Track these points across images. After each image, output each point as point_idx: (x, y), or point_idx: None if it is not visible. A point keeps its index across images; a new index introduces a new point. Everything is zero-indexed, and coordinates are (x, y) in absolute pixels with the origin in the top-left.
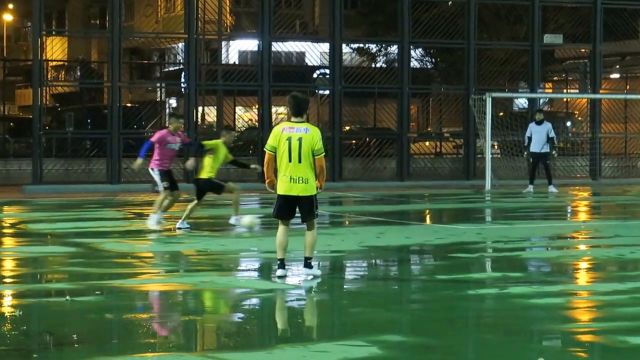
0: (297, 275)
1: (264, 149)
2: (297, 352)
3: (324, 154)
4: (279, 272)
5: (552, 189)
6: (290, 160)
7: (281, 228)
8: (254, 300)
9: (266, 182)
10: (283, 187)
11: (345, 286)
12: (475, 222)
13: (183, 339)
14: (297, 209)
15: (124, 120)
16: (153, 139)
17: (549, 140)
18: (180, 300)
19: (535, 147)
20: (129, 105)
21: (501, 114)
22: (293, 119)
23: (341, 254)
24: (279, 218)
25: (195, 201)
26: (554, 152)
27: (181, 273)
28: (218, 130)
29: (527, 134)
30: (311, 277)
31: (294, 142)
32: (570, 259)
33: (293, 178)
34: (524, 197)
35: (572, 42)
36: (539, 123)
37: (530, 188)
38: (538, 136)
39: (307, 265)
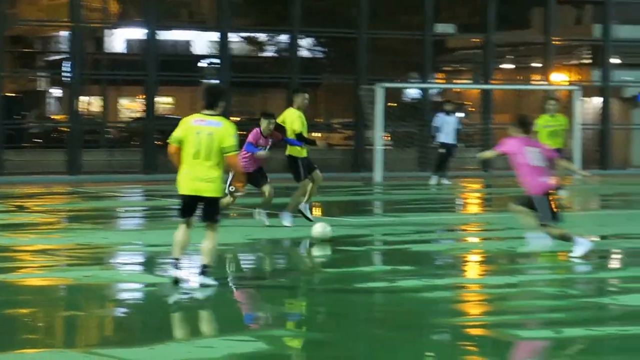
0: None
1: (167, 141)
2: (182, 347)
3: (236, 152)
4: (173, 272)
5: (434, 180)
6: (197, 157)
7: (182, 227)
8: (138, 295)
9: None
10: (186, 186)
11: (231, 280)
12: (365, 215)
13: (65, 334)
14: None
15: (6, 110)
16: (252, 140)
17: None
18: (62, 295)
19: (447, 138)
20: (11, 95)
21: (392, 104)
22: (205, 111)
23: (227, 247)
24: (181, 218)
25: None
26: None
27: (63, 267)
28: (103, 121)
29: (435, 123)
30: (202, 285)
31: (203, 137)
32: (461, 251)
33: (198, 176)
34: (413, 189)
35: (465, 31)
36: (449, 113)
37: (445, 180)
38: (449, 127)
39: (203, 272)
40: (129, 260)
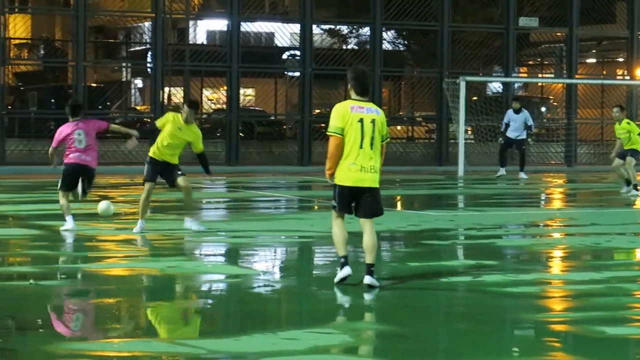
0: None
1: (328, 132)
2: (266, 339)
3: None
4: (344, 271)
5: (522, 175)
6: (361, 146)
7: (339, 221)
8: (222, 286)
9: (328, 172)
10: (351, 177)
11: (314, 272)
12: (448, 209)
13: (150, 324)
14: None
15: (89, 100)
16: None
17: (527, 127)
18: (147, 285)
19: (511, 134)
20: (94, 85)
21: (475, 98)
22: (357, 97)
23: (310, 240)
24: (340, 212)
25: None
26: (529, 139)
27: (147, 257)
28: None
29: (505, 120)
30: (369, 286)
31: (367, 125)
32: (545, 247)
33: (364, 167)
34: (496, 183)
35: (548, 25)
36: (517, 112)
37: (503, 171)
38: (515, 124)
39: (370, 272)
40: (212, 251)
